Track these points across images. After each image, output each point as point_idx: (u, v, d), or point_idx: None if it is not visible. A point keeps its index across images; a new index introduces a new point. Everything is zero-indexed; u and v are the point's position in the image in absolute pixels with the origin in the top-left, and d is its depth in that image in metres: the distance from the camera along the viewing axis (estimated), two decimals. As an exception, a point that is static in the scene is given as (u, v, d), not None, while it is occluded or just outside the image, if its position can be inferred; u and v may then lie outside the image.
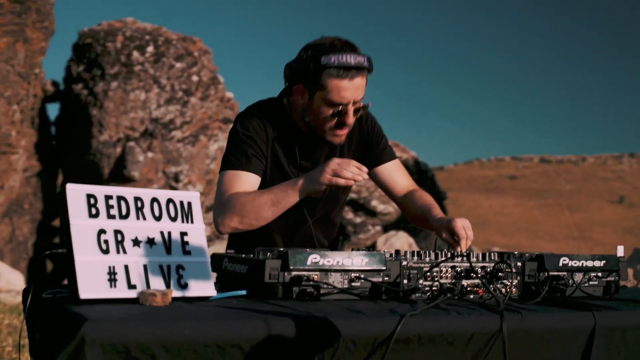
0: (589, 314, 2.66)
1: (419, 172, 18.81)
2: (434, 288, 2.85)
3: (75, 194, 2.39)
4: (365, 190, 16.74)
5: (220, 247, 14.44)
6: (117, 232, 2.43)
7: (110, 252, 2.39)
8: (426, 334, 2.36)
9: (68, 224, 2.35)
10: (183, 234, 2.56)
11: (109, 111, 15.00)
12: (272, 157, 3.38)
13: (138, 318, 2.12)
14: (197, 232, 2.61)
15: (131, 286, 2.38)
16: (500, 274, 2.93)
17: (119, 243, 2.42)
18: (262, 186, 3.31)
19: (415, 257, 2.90)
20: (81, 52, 15.70)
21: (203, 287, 2.53)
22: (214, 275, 2.73)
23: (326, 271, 2.68)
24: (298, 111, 3.37)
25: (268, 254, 2.76)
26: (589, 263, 3.11)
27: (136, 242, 2.45)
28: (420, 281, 2.84)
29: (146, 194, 2.53)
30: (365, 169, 3.04)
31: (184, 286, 2.49)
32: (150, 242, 2.48)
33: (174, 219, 2.56)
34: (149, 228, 2.50)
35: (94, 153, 15.00)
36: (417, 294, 2.81)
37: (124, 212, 2.46)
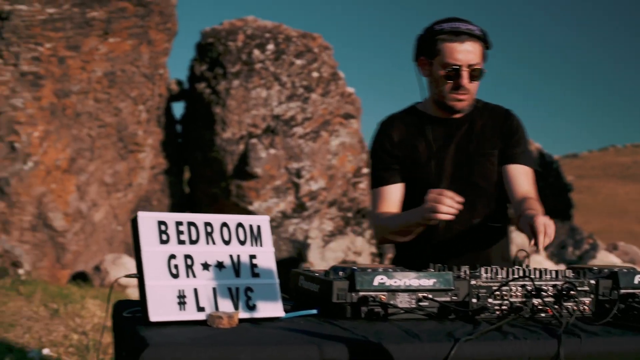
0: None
1: (543, 164, 18.53)
2: (503, 307, 2.87)
3: (147, 221, 2.52)
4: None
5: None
6: (187, 256, 2.55)
7: (180, 276, 2.51)
8: (480, 359, 2.40)
9: (140, 251, 2.49)
10: (252, 256, 2.67)
11: (231, 109, 15.31)
12: (407, 155, 3.59)
13: (197, 342, 2.24)
14: (266, 255, 2.71)
15: (200, 308, 2.51)
16: (572, 292, 2.91)
17: (189, 267, 2.54)
18: (409, 183, 3.59)
19: (487, 274, 2.93)
20: (204, 52, 16.05)
21: (271, 308, 2.63)
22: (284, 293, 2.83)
23: (393, 291, 2.74)
24: (430, 91, 3.63)
25: (340, 272, 2.84)
26: (667, 280, 3.06)
27: (205, 266, 2.57)
28: (490, 300, 2.86)
29: (216, 219, 2.65)
30: (459, 199, 3.13)
31: (252, 308, 2.59)
32: (220, 265, 2.60)
33: (243, 243, 2.67)
34: (219, 252, 2.61)
35: (218, 150, 15.34)
36: (485, 314, 2.84)
37: (194, 237, 2.59)
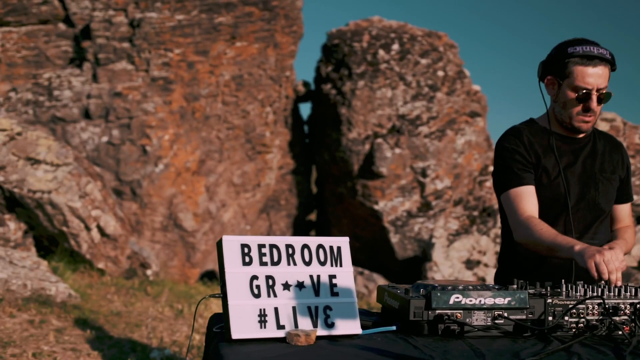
0: None
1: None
2: (579, 325, 2.94)
3: (231, 244, 2.71)
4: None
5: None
6: (268, 277, 2.73)
7: (262, 295, 2.69)
8: (541, 379, 2.48)
9: (224, 272, 2.67)
10: (332, 276, 2.82)
11: (357, 109, 15.48)
12: (537, 166, 3.66)
13: (271, 361, 2.41)
14: (346, 275, 2.86)
15: (280, 326, 2.68)
16: (650, 310, 2.95)
17: (270, 287, 2.71)
18: (540, 187, 3.65)
19: (564, 293, 3.00)
20: (329, 53, 16.27)
21: (349, 326, 2.78)
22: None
23: (469, 309, 2.85)
24: (554, 110, 3.71)
25: (421, 290, 2.97)
26: None
27: (286, 286, 2.74)
28: (566, 318, 2.93)
29: (297, 241, 2.82)
30: (620, 282, 3.15)
31: (330, 325, 2.75)
32: (300, 285, 2.76)
33: (323, 263, 2.83)
34: (299, 272, 2.78)
35: (344, 150, 15.53)
36: (560, 332, 2.91)
37: (275, 258, 2.76)
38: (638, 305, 2.97)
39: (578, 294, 3.02)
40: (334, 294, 2.81)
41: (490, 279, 14.10)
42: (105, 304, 8.79)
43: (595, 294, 3.01)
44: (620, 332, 2.94)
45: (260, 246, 2.75)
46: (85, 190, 10.39)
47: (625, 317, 2.95)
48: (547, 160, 3.66)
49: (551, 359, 2.57)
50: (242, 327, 2.63)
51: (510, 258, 3.84)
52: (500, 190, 3.69)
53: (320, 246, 2.84)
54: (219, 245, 2.70)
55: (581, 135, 3.73)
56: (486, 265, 14.38)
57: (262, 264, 2.73)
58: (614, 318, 2.95)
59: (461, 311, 2.85)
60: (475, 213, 15.86)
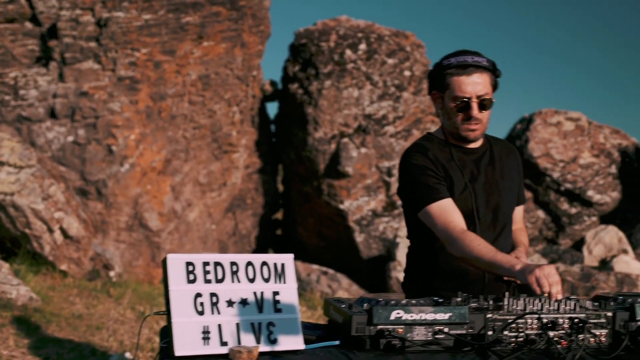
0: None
1: (639, 159, 18.19)
2: (519, 339, 3.01)
3: (175, 262, 2.76)
4: (581, 180, 16.46)
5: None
6: (212, 294, 2.78)
7: (205, 313, 2.74)
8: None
9: (168, 290, 2.72)
10: (275, 293, 2.88)
11: (324, 109, 15.53)
12: (447, 177, 3.71)
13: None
14: (289, 291, 2.91)
15: (223, 343, 2.73)
16: (587, 325, 3.03)
17: (214, 305, 2.77)
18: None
19: (508, 305, 3.07)
20: (297, 53, 16.30)
21: (292, 342, 2.84)
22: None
23: (410, 325, 2.91)
24: (443, 123, 3.80)
25: (365, 304, 3.03)
26: (685, 313, 3.13)
27: (230, 303, 2.79)
28: (506, 332, 3.00)
29: (241, 259, 2.87)
30: (560, 295, 3.20)
31: (273, 341, 2.80)
32: (244, 302, 2.82)
33: (267, 280, 2.88)
34: (243, 289, 2.83)
35: (310, 149, 15.59)
36: (499, 346, 2.98)
37: (219, 276, 2.81)
38: (576, 320, 3.04)
39: (518, 308, 3.09)
40: (277, 310, 2.86)
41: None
42: (67, 307, 8.79)
43: (534, 308, 3.08)
44: (557, 347, 3.01)
45: (205, 264, 2.80)
46: (49, 192, 10.37)
47: (563, 332, 3.03)
48: (453, 174, 3.70)
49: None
50: (186, 344, 2.68)
51: (424, 270, 3.85)
52: (419, 206, 3.65)
53: (264, 263, 2.90)
54: (164, 263, 2.75)
55: (478, 145, 3.80)
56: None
57: (207, 281, 2.78)
58: (553, 332, 3.02)
59: (402, 326, 2.91)
60: (441, 212, 15.95)
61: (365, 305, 3.04)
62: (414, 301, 3.05)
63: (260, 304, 2.84)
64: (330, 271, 14.16)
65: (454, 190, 3.68)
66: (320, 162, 15.53)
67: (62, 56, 13.32)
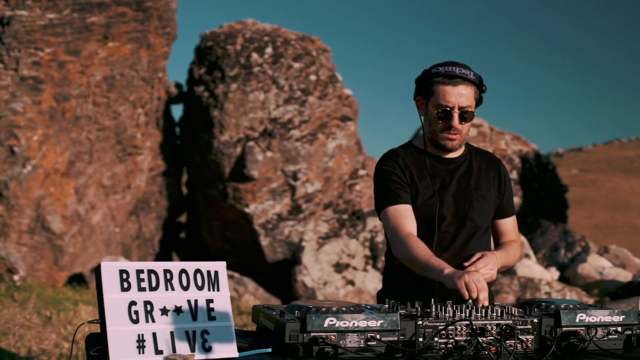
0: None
1: (539, 165, 18.66)
2: (449, 345, 3.06)
3: (109, 270, 2.71)
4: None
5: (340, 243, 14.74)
6: (146, 302, 2.74)
7: (140, 321, 2.71)
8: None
9: (102, 298, 2.68)
10: (209, 301, 2.86)
11: (229, 112, 15.48)
12: (414, 184, 3.77)
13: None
14: (223, 299, 2.90)
15: (158, 351, 2.70)
16: (515, 331, 3.09)
17: (148, 313, 2.73)
18: (414, 208, 3.75)
19: (437, 312, 3.12)
20: (203, 55, 16.22)
21: (226, 349, 2.82)
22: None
23: (343, 332, 2.93)
24: (424, 130, 3.85)
25: (296, 312, 3.03)
26: (607, 318, 3.22)
27: (164, 311, 2.76)
28: (436, 339, 3.04)
29: (175, 266, 2.84)
30: (486, 276, 3.41)
31: (208, 349, 2.78)
32: (178, 310, 2.79)
33: (200, 288, 2.86)
34: (177, 297, 2.80)
35: (216, 153, 15.51)
36: (430, 352, 3.02)
37: (153, 284, 2.78)
38: (504, 326, 3.10)
39: (447, 314, 3.13)
40: (211, 318, 2.84)
41: (359, 283, 14.32)
42: (-30, 312, 8.57)
43: (463, 314, 3.13)
44: (486, 352, 3.06)
45: (139, 272, 2.76)
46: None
47: (492, 338, 3.08)
48: (421, 181, 3.78)
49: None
50: (120, 352, 2.64)
51: (393, 275, 3.94)
52: (379, 208, 3.80)
53: (197, 271, 2.87)
54: (97, 271, 2.70)
55: (457, 155, 3.87)
56: (355, 268, 14.59)
57: (141, 289, 2.75)
58: (482, 338, 3.07)
59: (335, 334, 2.92)
60: (345, 216, 16.08)
61: (296, 312, 3.04)
62: (344, 308, 3.07)
63: (194, 312, 2.81)
64: (236, 275, 14.12)
65: (419, 198, 3.77)
66: (226, 166, 15.48)
67: (-38, 54, 12.99)
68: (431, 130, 3.78)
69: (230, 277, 13.85)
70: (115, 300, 2.69)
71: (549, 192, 18.79)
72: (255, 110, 15.65)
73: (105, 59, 14.08)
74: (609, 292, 12.76)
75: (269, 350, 2.97)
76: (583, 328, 3.19)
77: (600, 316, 3.22)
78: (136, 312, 2.71)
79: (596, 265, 13.73)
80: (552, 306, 3.33)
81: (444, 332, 3.05)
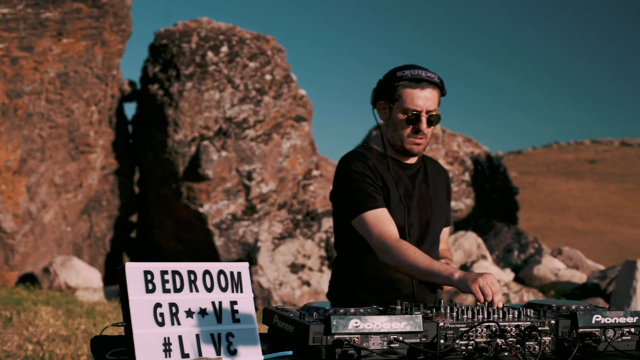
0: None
1: (491, 167, 18.79)
2: (469, 347, 3.02)
3: (134, 271, 2.63)
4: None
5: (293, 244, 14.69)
6: (171, 304, 2.66)
7: (166, 324, 2.62)
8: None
9: (127, 300, 2.59)
10: (233, 302, 2.78)
11: (184, 111, 15.34)
12: (385, 187, 3.69)
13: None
14: (246, 301, 2.83)
15: (184, 355, 2.62)
16: (533, 332, 3.07)
17: (174, 315, 2.65)
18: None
19: (452, 313, 3.08)
20: (157, 53, 16.04)
21: (251, 353, 2.75)
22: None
23: (366, 334, 2.88)
24: (386, 135, 3.75)
25: (314, 313, 2.97)
26: (622, 319, 3.22)
27: (189, 314, 2.68)
28: (457, 341, 3.01)
29: (199, 267, 2.76)
30: (501, 304, 3.27)
31: (233, 352, 2.71)
32: (203, 312, 2.71)
33: (224, 289, 2.78)
34: (202, 299, 2.73)
35: (170, 152, 15.36)
36: (452, 355, 2.99)
37: (178, 285, 2.70)
38: (522, 327, 3.08)
39: (465, 316, 3.10)
40: (236, 320, 2.77)
41: (315, 283, 14.28)
42: None
43: (481, 316, 3.10)
44: (506, 354, 3.03)
45: (163, 273, 2.68)
46: None
47: (512, 339, 3.05)
48: (389, 186, 3.71)
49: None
50: (147, 356, 2.55)
51: (350, 281, 3.84)
52: (354, 213, 3.64)
53: (221, 272, 2.80)
54: (122, 272, 2.61)
55: (414, 161, 3.81)
56: (311, 269, 14.55)
57: (165, 291, 2.66)
58: (501, 340, 3.05)
59: (359, 336, 2.87)
60: (299, 217, 16.04)
61: (314, 314, 2.98)
62: (369, 310, 3.02)
63: (219, 314, 2.74)
64: (192, 275, 13.98)
65: (390, 203, 3.68)
66: (180, 165, 15.34)
67: None
68: (396, 135, 3.69)
69: (186, 277, 13.69)
70: (140, 302, 2.61)
71: (500, 193, 18.94)
72: (210, 110, 15.53)
73: (59, 55, 13.84)
74: (564, 294, 12.89)
75: (290, 353, 2.91)
76: (598, 329, 3.19)
77: (615, 317, 3.22)
78: (162, 315, 2.63)
79: (551, 267, 13.86)
80: (564, 307, 3.31)
81: (463, 333, 3.02)
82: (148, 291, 2.63)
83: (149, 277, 2.65)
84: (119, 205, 16.14)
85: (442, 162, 17.22)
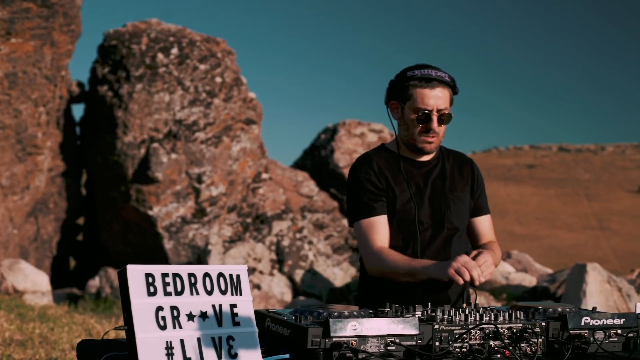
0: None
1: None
2: (463, 349, 3.03)
3: (135, 274, 2.58)
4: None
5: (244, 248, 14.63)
6: (173, 308, 2.62)
7: (168, 327, 2.58)
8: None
9: (129, 303, 2.54)
10: (233, 305, 2.75)
11: (134, 113, 15.19)
12: (389, 190, 3.73)
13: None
14: (246, 304, 2.80)
15: (187, 359, 2.58)
16: (525, 334, 3.09)
17: (175, 318, 2.61)
18: (393, 213, 3.72)
19: (446, 317, 3.08)
20: (106, 54, 15.87)
21: (251, 356, 2.72)
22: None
23: (364, 337, 2.87)
24: (399, 134, 3.81)
25: (309, 317, 2.95)
26: (609, 321, 3.26)
27: (190, 317, 2.64)
28: (452, 343, 3.02)
29: (199, 270, 2.73)
30: (486, 272, 3.41)
31: (234, 356, 2.68)
32: (203, 315, 2.67)
33: (224, 292, 2.75)
34: (202, 302, 2.69)
35: (119, 154, 15.20)
36: (448, 357, 2.99)
37: (179, 288, 2.66)
38: (514, 330, 3.09)
39: (458, 318, 3.11)
40: (236, 323, 2.74)
41: (265, 287, 14.25)
42: None
43: (473, 318, 3.11)
44: (498, 356, 3.05)
45: (164, 275, 2.64)
46: None
47: (505, 342, 3.07)
48: (397, 186, 3.75)
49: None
50: (150, 360, 2.51)
51: (368, 283, 3.90)
52: (352, 220, 3.77)
53: (220, 275, 2.77)
54: (123, 274, 2.57)
55: (429, 158, 3.85)
56: (261, 272, 14.51)
57: (167, 294, 2.62)
58: (496, 342, 3.06)
59: (356, 338, 2.86)
60: (249, 220, 15.99)
61: (309, 317, 2.96)
62: (362, 312, 3.01)
63: (219, 317, 2.70)
64: (144, 279, 13.84)
65: (397, 202, 3.73)
66: (129, 167, 15.20)
67: None
68: (408, 134, 3.74)
69: (137, 281, 13.55)
70: (142, 305, 2.56)
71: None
72: (160, 112, 15.41)
73: (7, 55, 13.63)
74: (515, 297, 13.01)
75: (287, 356, 2.88)
76: (587, 331, 3.22)
77: (603, 319, 3.25)
78: (163, 318, 2.59)
79: (502, 270, 13.99)
80: (550, 309, 3.34)
81: (457, 335, 3.03)
82: (149, 294, 2.59)
83: (150, 279, 2.61)
84: (66, 207, 15.94)
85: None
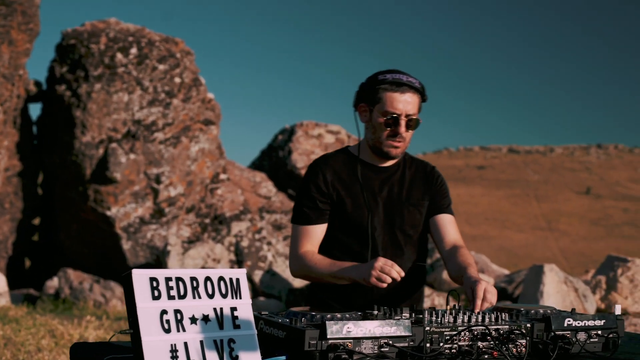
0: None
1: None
2: (453, 350, 3.11)
3: (140, 277, 2.62)
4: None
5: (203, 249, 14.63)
6: (176, 311, 2.67)
7: (172, 330, 2.63)
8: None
9: (134, 307, 2.58)
10: (233, 309, 2.81)
11: (92, 112, 15.11)
12: (340, 196, 3.78)
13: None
14: (245, 307, 2.85)
15: (190, 362, 2.63)
16: (512, 335, 3.18)
17: (179, 322, 2.66)
18: (340, 223, 3.79)
19: (435, 319, 3.16)
20: (65, 53, 15.75)
21: (251, 358, 2.78)
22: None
23: (359, 339, 2.94)
24: (366, 137, 3.84)
25: (303, 319, 3.02)
26: (591, 322, 3.36)
27: (193, 320, 2.69)
28: (441, 344, 3.10)
29: (200, 273, 2.78)
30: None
31: (235, 358, 2.73)
32: (205, 318, 2.72)
33: (224, 296, 2.80)
34: (204, 306, 2.74)
35: (77, 154, 15.10)
36: (438, 358, 3.07)
37: (182, 292, 2.71)
38: (501, 331, 3.18)
39: (446, 320, 3.19)
40: (236, 326, 2.79)
41: (225, 287, 14.24)
42: None
43: (461, 320, 3.20)
44: (486, 357, 3.13)
45: (168, 279, 2.69)
46: None
47: (492, 343, 3.15)
48: (352, 189, 3.79)
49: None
50: (156, 363, 2.56)
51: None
52: (291, 220, 3.88)
53: (221, 278, 2.82)
54: (128, 278, 2.61)
55: (391, 164, 3.88)
56: (221, 273, 14.49)
57: (170, 297, 2.67)
58: (484, 343, 3.14)
59: (352, 340, 2.92)
60: (207, 221, 15.99)
61: (303, 319, 3.02)
62: (354, 314, 3.08)
63: (220, 320, 2.76)
64: (102, 280, 13.79)
65: (347, 206, 3.77)
66: (87, 167, 15.11)
67: None
68: (375, 137, 3.76)
69: (97, 281, 13.51)
70: (147, 309, 2.61)
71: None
72: (119, 112, 15.35)
73: (-36, 54, 13.51)
74: (473, 297, 13.13)
75: (283, 358, 2.94)
76: (570, 332, 3.31)
77: (585, 320, 3.36)
78: (167, 322, 2.63)
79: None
80: (532, 311, 3.43)
81: (448, 337, 3.10)
82: (154, 298, 2.64)
83: (154, 283, 2.65)
84: (22, 207, 15.81)
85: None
